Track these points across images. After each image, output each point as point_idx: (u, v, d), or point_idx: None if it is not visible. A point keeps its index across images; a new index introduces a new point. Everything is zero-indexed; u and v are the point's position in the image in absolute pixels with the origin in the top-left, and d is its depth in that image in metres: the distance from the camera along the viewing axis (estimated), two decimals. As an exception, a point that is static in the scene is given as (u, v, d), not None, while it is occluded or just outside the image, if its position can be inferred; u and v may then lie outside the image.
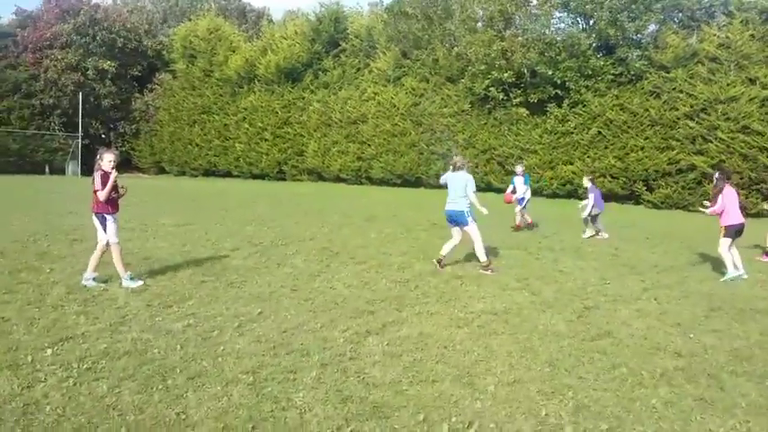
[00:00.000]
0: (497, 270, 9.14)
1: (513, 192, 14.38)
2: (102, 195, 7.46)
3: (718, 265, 10.07)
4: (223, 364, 5.01)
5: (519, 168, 14.93)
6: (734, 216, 9.33)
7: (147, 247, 10.19)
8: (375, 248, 10.85)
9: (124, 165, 40.43)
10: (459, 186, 9.08)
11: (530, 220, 14.66)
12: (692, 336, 6.16)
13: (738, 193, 9.94)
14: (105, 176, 7.49)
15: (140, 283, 7.54)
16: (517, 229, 14.20)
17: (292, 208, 17.27)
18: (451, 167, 9.37)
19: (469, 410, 4.30)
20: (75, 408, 4.13)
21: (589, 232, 13.42)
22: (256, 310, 6.62)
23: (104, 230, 7.56)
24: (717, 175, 9.84)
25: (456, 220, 9.20)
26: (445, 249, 9.36)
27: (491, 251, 11.00)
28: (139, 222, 12.76)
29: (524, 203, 14.47)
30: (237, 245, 10.80)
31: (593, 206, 13.31)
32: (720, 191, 9.42)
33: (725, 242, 9.29)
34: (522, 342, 5.84)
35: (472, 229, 9.08)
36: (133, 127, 42.26)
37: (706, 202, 10.28)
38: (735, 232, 9.33)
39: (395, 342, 5.70)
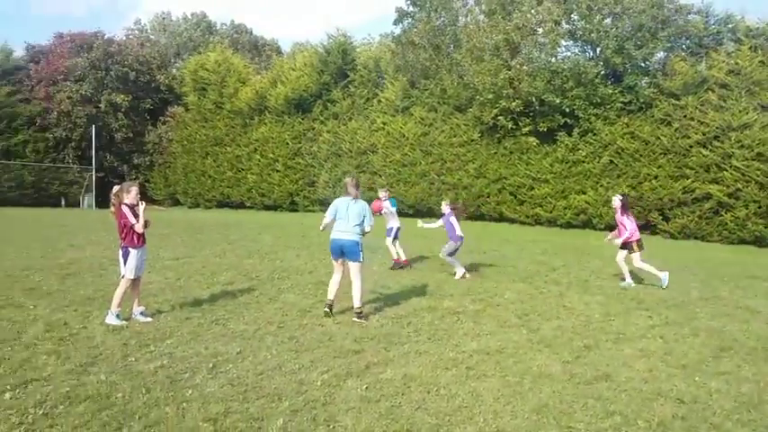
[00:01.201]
0: (369, 319, 7.86)
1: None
2: (139, 227, 7.48)
3: (732, 301, 9.65)
4: (187, 410, 4.71)
5: (382, 193, 13.13)
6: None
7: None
8: (374, 282, 10.52)
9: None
10: (356, 216, 8.02)
11: (404, 258, 12.75)
12: (696, 379, 5.76)
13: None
14: (134, 209, 7.52)
15: (121, 323, 7.24)
16: (396, 264, 12.51)
17: (297, 240, 17.01)
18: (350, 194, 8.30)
19: (444, 465, 3.95)
20: (17, 461, 3.84)
21: (458, 271, 11.42)
22: (236, 349, 6.33)
23: (124, 264, 7.45)
24: (621, 200, 11.31)
25: (348, 252, 8.05)
26: (332, 290, 8.16)
27: (498, 282, 10.67)
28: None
29: (393, 234, 12.80)
30: (233, 279, 10.54)
31: (450, 243, 11.49)
32: (628, 215, 11.21)
33: (639, 256, 11.05)
34: (512, 385, 5.47)
35: (358, 266, 8.05)
36: (147, 159, 42.47)
37: (610, 235, 11.80)
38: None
39: (375, 386, 5.37)
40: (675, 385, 5.55)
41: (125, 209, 7.46)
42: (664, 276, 10.97)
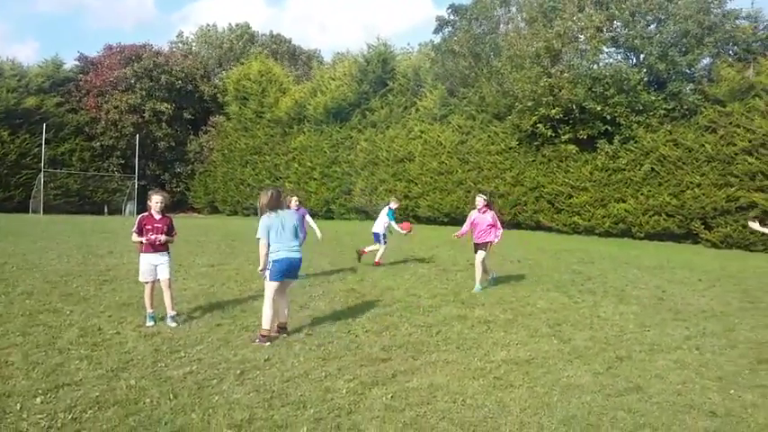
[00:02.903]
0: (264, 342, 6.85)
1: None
2: (133, 236, 7.76)
3: (773, 311, 9.36)
4: (212, 416, 4.75)
5: (394, 204, 14.42)
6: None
7: (173, 288, 10.08)
8: (404, 290, 10.49)
9: (180, 205, 41.44)
10: (293, 228, 7.35)
11: (365, 250, 14.03)
12: (732, 392, 5.57)
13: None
14: (146, 219, 7.75)
15: (151, 324, 7.47)
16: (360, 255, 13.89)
17: (331, 247, 17.06)
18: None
19: (465, 476, 3.89)
20: (44, 463, 3.91)
21: None
22: (264, 356, 6.36)
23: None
24: (484, 200, 11.14)
25: (296, 270, 7.46)
26: (283, 313, 7.46)
27: (532, 291, 10.54)
28: (174, 263, 12.73)
29: (382, 239, 13.84)
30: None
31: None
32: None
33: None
34: (540, 396, 5.38)
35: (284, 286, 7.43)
36: (188, 168, 43.30)
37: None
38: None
39: (401, 395, 5.33)
40: (709, 398, 5.39)
41: (139, 216, 7.84)
42: (478, 287, 10.75)
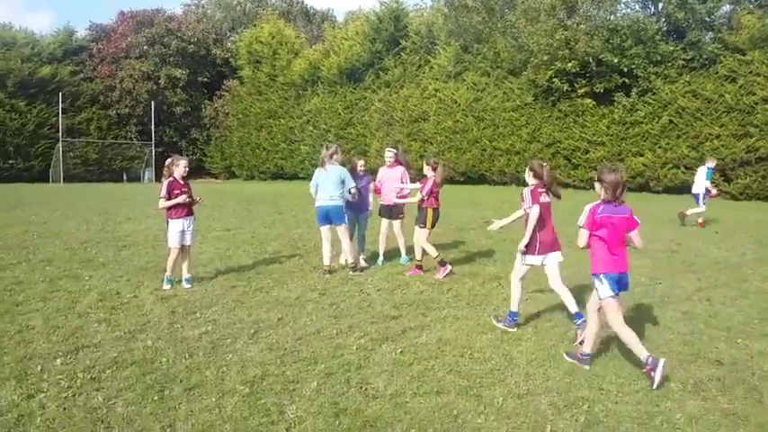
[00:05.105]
0: (365, 268, 8.82)
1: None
2: (161, 202, 7.81)
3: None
4: (226, 373, 4.90)
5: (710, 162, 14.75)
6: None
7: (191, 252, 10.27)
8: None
9: (197, 171, 41.65)
10: (335, 182, 8.62)
11: (687, 213, 14.26)
12: (739, 341, 5.61)
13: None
14: (174, 184, 7.75)
15: (168, 287, 7.61)
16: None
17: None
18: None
19: (469, 425, 4.01)
20: (64, 420, 4.08)
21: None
22: (277, 315, 6.50)
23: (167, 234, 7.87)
24: (394, 154, 9.66)
25: (332, 217, 8.62)
26: (327, 256, 8.64)
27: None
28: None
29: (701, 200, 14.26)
30: (280, 248, 10.77)
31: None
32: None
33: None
34: (546, 349, 5.46)
35: (343, 228, 8.73)
36: (204, 134, 43.39)
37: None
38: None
39: (409, 350, 5.44)
40: (716, 347, 5.44)
41: (164, 182, 7.75)
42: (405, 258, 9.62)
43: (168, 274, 7.79)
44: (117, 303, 7.00)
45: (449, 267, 8.55)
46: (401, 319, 6.39)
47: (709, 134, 22.76)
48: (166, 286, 7.68)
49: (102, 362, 5.15)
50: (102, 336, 5.83)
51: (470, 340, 5.70)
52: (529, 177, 6.25)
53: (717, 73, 23.09)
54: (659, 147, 24.06)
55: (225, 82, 43.29)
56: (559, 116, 26.97)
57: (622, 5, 26.43)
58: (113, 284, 7.90)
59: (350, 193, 8.75)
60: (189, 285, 7.76)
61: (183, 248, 7.85)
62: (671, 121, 23.87)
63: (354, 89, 35.30)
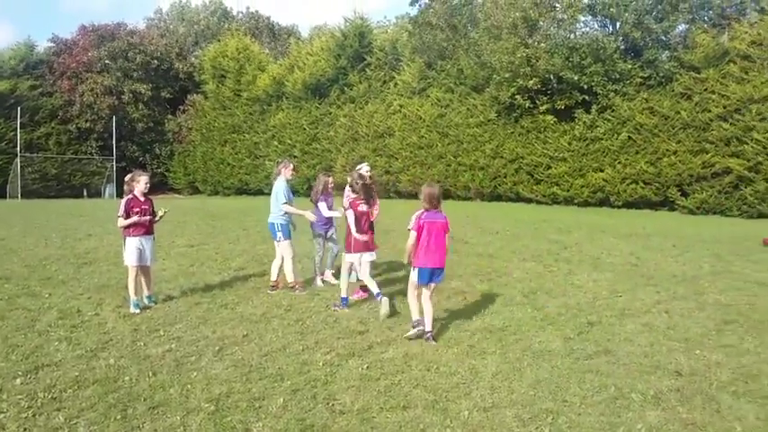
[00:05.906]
0: (304, 288, 8.63)
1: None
2: (119, 221, 7.60)
3: (743, 275, 9.58)
4: (191, 391, 4.85)
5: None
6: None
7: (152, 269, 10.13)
8: (387, 264, 10.61)
9: (159, 186, 41.12)
10: (272, 198, 8.88)
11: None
12: (697, 352, 5.76)
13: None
14: (133, 202, 7.59)
15: (137, 311, 7.36)
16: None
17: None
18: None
19: (435, 440, 4.03)
20: (24, 442, 3.99)
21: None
22: (243, 332, 6.46)
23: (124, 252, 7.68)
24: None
25: (272, 233, 8.89)
26: (274, 271, 8.76)
27: (508, 261, 10.67)
28: (153, 243, 12.77)
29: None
30: (244, 264, 10.70)
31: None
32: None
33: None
34: (511, 362, 5.53)
35: (282, 246, 8.65)
36: (167, 149, 42.91)
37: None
38: None
39: (376, 365, 5.46)
40: (675, 359, 5.57)
41: (124, 199, 7.63)
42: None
43: (133, 297, 7.46)
44: (78, 321, 6.87)
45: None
46: (367, 335, 6.41)
47: (667, 150, 23.31)
48: (135, 310, 7.34)
49: (64, 381, 5.05)
50: (62, 354, 5.72)
51: (437, 355, 5.74)
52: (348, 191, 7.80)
53: (673, 90, 23.71)
54: (618, 162, 24.55)
55: (188, 96, 42.94)
56: (522, 132, 27.35)
57: (581, 24, 27.05)
58: (74, 302, 7.76)
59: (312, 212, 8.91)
60: (151, 303, 7.64)
61: (142, 268, 7.70)
62: (630, 138, 24.39)
63: (319, 104, 35.34)
